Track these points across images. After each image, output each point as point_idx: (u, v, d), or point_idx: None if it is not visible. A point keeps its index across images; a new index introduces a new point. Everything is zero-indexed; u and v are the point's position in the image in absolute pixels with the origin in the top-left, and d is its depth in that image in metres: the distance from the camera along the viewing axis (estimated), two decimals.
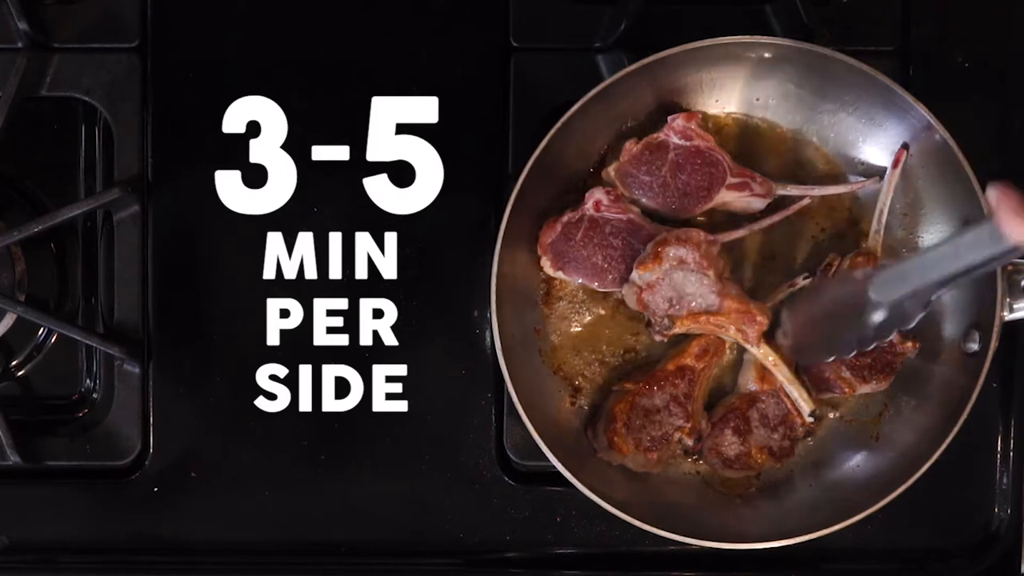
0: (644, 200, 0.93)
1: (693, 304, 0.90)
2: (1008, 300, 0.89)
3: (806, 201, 0.94)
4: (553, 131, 0.88)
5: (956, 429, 0.89)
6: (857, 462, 0.95)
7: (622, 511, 0.89)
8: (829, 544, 0.95)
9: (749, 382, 0.94)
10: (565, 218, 0.92)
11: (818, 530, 0.90)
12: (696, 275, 0.90)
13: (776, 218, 0.94)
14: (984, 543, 0.99)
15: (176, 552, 0.98)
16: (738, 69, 0.92)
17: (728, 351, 0.95)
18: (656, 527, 0.89)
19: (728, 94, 0.94)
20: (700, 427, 0.93)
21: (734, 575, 0.99)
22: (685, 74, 0.92)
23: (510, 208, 0.89)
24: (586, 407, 0.96)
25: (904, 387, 0.94)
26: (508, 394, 0.90)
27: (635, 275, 0.91)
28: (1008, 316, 0.89)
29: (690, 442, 0.93)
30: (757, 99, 0.94)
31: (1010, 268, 0.89)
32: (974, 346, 0.90)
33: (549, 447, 0.89)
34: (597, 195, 0.92)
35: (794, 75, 0.92)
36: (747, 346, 0.91)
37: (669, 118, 0.92)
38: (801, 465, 0.96)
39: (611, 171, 0.93)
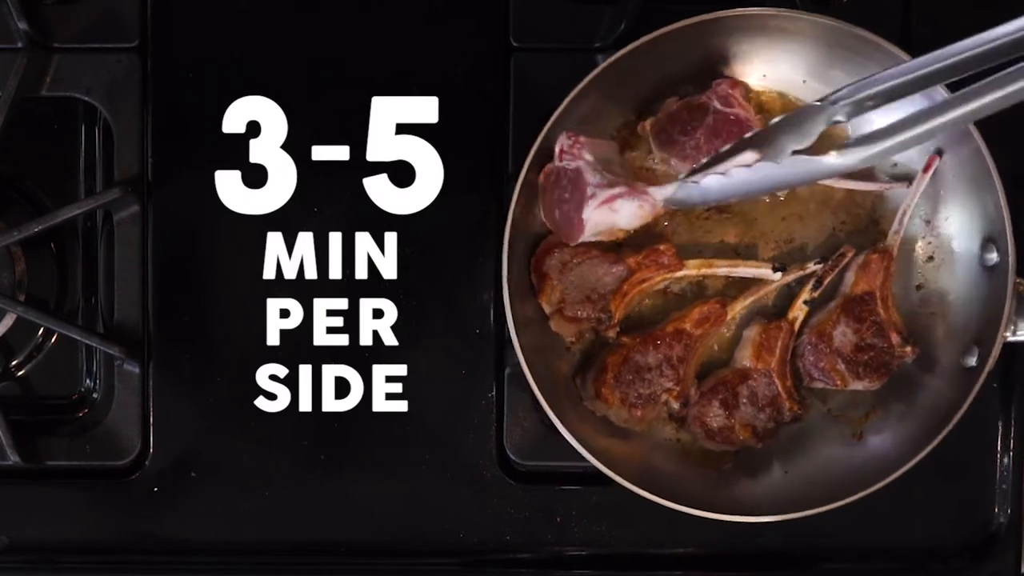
0: (673, 159, 0.92)
1: (607, 280, 0.91)
2: (1015, 320, 0.89)
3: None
4: (579, 88, 0.88)
5: (936, 442, 0.89)
6: (835, 457, 0.94)
7: (603, 463, 0.89)
8: (829, 544, 0.95)
9: (744, 358, 0.94)
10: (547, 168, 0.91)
11: (785, 513, 0.90)
12: (584, 264, 0.90)
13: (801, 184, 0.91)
14: (984, 543, 0.99)
15: (176, 552, 0.98)
16: (784, 43, 0.91)
17: (729, 321, 0.94)
18: (634, 484, 0.89)
19: (776, 69, 0.93)
20: (688, 392, 0.93)
21: (733, 575, 0.99)
22: (688, 56, 0.91)
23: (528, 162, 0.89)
24: (579, 354, 0.95)
25: (895, 392, 0.94)
26: (509, 332, 0.89)
27: (545, 307, 0.92)
28: (1011, 337, 0.89)
29: (676, 405, 0.92)
30: (804, 81, 0.93)
31: (1022, 289, 0.89)
32: (972, 361, 0.90)
33: (539, 386, 0.89)
34: (561, 142, 0.90)
35: (842, 62, 0.90)
36: (679, 273, 0.92)
37: (714, 82, 0.91)
38: (781, 451, 0.95)
39: (647, 125, 0.92)
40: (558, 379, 0.94)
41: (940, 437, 0.89)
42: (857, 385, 0.93)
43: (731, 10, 0.88)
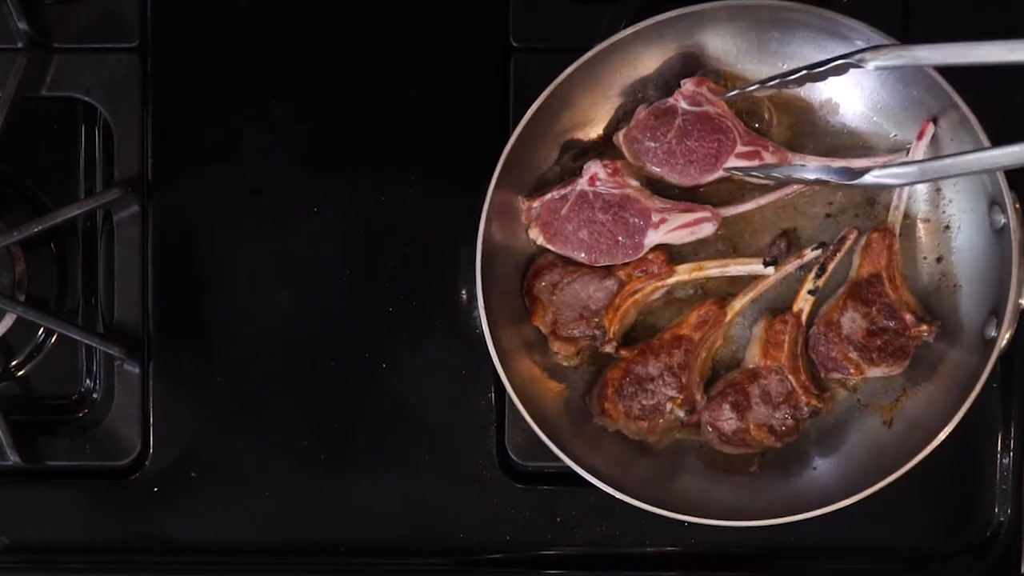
0: (651, 167, 0.91)
1: (599, 295, 0.91)
2: None
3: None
4: (542, 97, 0.88)
5: (961, 413, 0.86)
6: (868, 445, 0.92)
7: (612, 486, 0.88)
8: (830, 543, 0.95)
9: (754, 357, 0.92)
10: (552, 192, 0.91)
11: (815, 510, 0.88)
12: (575, 282, 0.91)
13: (786, 191, 0.91)
14: (984, 543, 0.99)
15: (176, 552, 0.98)
16: (765, 32, 0.90)
17: (734, 321, 0.93)
18: (647, 503, 0.88)
19: (758, 62, 0.92)
20: (693, 399, 0.92)
21: (733, 575, 0.99)
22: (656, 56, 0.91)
23: (496, 180, 0.88)
24: (588, 371, 0.95)
25: (923, 373, 0.92)
26: (501, 379, 0.89)
27: (542, 328, 0.92)
28: None
29: (682, 413, 0.91)
30: (783, 64, 0.91)
31: None
32: (993, 332, 0.87)
33: (538, 415, 0.89)
34: (594, 168, 0.90)
35: (818, 43, 0.89)
36: (670, 280, 0.91)
37: (681, 82, 0.91)
38: (814, 445, 0.94)
39: (620, 136, 0.92)
40: (561, 400, 0.93)
41: (965, 407, 0.86)
42: (875, 371, 0.91)
43: (713, 3, 0.87)
